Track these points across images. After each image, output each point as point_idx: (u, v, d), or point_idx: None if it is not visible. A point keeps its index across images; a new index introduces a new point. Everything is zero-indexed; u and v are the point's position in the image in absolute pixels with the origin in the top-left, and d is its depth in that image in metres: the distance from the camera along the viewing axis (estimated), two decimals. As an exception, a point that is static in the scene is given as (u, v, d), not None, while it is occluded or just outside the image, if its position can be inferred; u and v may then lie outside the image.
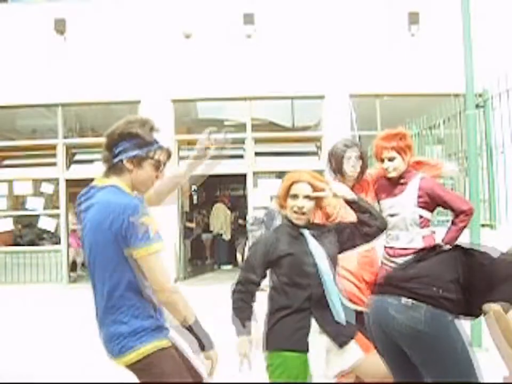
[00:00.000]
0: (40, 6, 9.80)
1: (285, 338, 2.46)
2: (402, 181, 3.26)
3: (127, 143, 2.11)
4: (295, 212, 2.59)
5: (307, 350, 2.43)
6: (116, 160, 2.13)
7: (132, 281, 2.06)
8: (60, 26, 9.77)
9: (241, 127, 10.19)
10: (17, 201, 10.78)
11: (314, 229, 2.64)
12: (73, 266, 10.67)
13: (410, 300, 2.23)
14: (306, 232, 2.59)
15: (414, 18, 9.67)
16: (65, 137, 10.23)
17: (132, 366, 2.07)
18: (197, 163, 2.54)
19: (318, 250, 2.53)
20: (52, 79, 9.68)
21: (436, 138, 6.35)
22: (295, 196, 2.60)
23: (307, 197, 2.58)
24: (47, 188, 10.34)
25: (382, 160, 3.24)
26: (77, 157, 10.63)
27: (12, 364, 4.58)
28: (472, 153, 4.70)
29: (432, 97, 8.50)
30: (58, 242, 10.23)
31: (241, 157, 10.42)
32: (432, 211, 3.29)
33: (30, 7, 9.91)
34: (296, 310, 2.48)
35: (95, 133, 10.44)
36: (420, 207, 3.21)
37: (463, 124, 5.20)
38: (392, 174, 3.24)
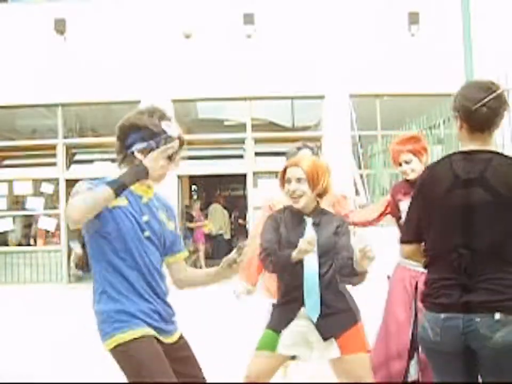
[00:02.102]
0: (40, 6, 9.80)
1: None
2: None
3: (136, 135, 2.14)
4: (291, 196, 2.57)
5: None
6: (128, 151, 2.16)
7: (112, 262, 2.08)
8: (60, 26, 9.76)
9: (241, 127, 10.19)
10: (17, 201, 10.78)
11: (319, 216, 2.59)
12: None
13: (502, 314, 1.93)
14: (309, 221, 2.56)
15: (414, 18, 9.67)
16: (65, 137, 10.21)
17: (111, 352, 2.06)
18: (221, 277, 2.39)
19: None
20: (52, 79, 9.67)
21: (436, 138, 6.35)
22: (288, 180, 2.59)
23: (299, 180, 2.55)
24: (47, 188, 10.32)
25: (400, 164, 3.31)
26: (77, 157, 10.64)
27: (12, 364, 4.58)
28: (472, 153, 4.69)
29: (432, 97, 8.51)
30: (58, 242, 10.22)
31: (241, 157, 10.43)
32: None
33: (30, 7, 9.91)
34: (288, 297, 2.50)
35: (95, 133, 10.44)
36: None
37: (463, 124, 5.18)
38: (411, 176, 3.28)
